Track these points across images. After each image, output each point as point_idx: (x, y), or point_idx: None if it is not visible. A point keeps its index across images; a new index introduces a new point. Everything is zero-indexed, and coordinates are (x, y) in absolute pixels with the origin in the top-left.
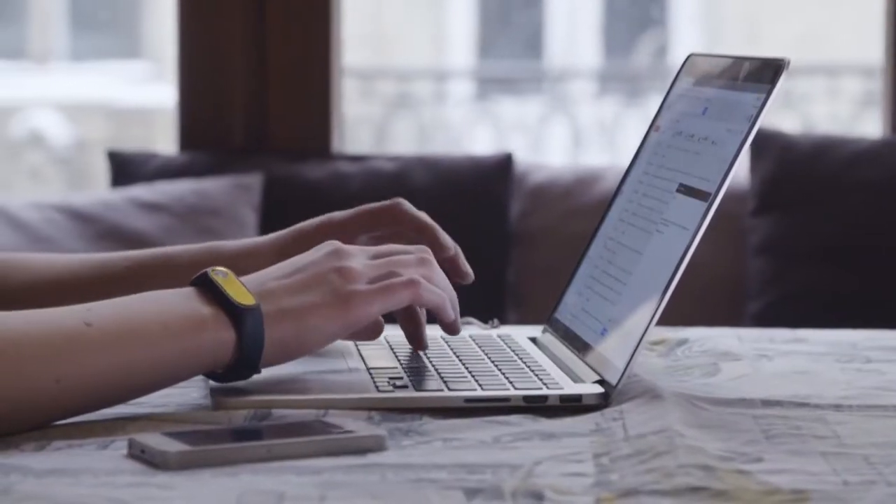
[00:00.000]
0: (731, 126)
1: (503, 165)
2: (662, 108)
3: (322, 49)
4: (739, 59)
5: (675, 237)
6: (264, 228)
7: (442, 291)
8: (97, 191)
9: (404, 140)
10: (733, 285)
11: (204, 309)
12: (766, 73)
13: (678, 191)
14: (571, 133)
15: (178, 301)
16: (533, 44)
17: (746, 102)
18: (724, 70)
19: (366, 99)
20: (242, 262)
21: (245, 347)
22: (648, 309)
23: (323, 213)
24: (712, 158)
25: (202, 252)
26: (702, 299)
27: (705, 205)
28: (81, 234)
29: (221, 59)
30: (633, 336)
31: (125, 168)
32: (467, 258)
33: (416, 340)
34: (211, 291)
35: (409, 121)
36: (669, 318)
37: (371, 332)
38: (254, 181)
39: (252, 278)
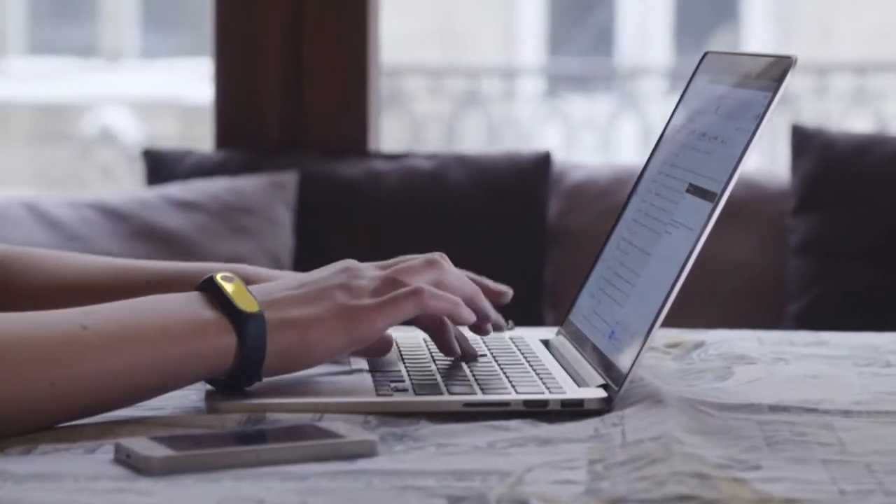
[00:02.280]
0: (740, 125)
1: (541, 164)
2: (679, 105)
3: (359, 46)
4: (752, 57)
5: (682, 238)
6: (299, 227)
7: (450, 295)
8: (132, 189)
9: (473, 138)
10: (774, 285)
11: (206, 313)
12: (776, 71)
13: (687, 191)
14: (641, 131)
15: (181, 305)
16: (604, 41)
17: (756, 101)
18: (738, 68)
19: (435, 96)
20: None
21: (246, 353)
22: (653, 312)
23: (358, 211)
24: (720, 158)
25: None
26: (742, 299)
27: (711, 205)
28: (115, 232)
29: (258, 57)
30: (638, 339)
31: (160, 166)
32: (503, 258)
33: (444, 347)
34: (215, 296)
35: (479, 118)
36: (708, 318)
37: (378, 349)
38: (289, 179)
39: (259, 288)
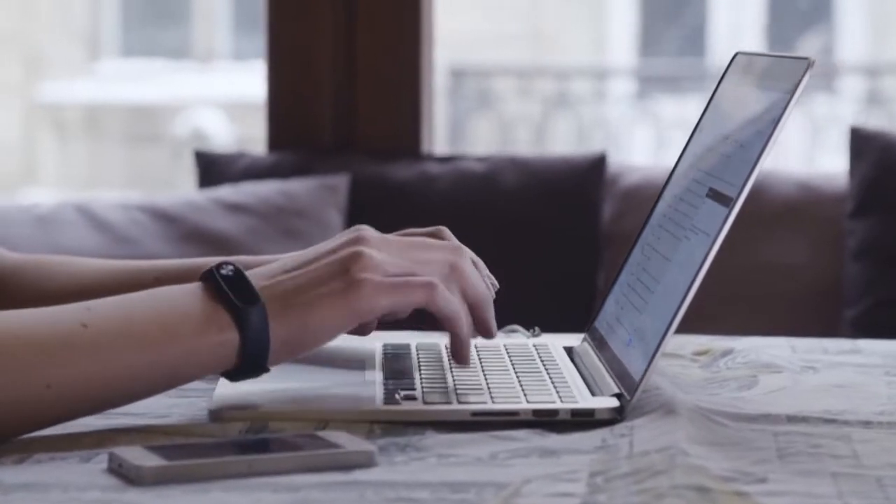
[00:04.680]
0: (760, 128)
1: (595, 166)
2: (707, 108)
3: (412, 47)
4: (775, 59)
5: (699, 244)
6: None
7: (458, 305)
8: (183, 191)
9: (563, 139)
10: (830, 290)
11: (206, 308)
12: (795, 73)
13: (707, 195)
14: None
15: (182, 299)
16: (695, 41)
17: (775, 103)
18: (762, 69)
19: (524, 98)
20: None
21: (249, 349)
22: (667, 320)
23: (408, 214)
24: (739, 162)
25: None
26: (798, 304)
27: (727, 210)
28: (165, 234)
29: (310, 59)
30: (652, 348)
31: (212, 168)
32: (557, 260)
33: (457, 354)
34: (215, 289)
35: (569, 120)
36: (763, 322)
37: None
38: (340, 182)
39: (262, 270)
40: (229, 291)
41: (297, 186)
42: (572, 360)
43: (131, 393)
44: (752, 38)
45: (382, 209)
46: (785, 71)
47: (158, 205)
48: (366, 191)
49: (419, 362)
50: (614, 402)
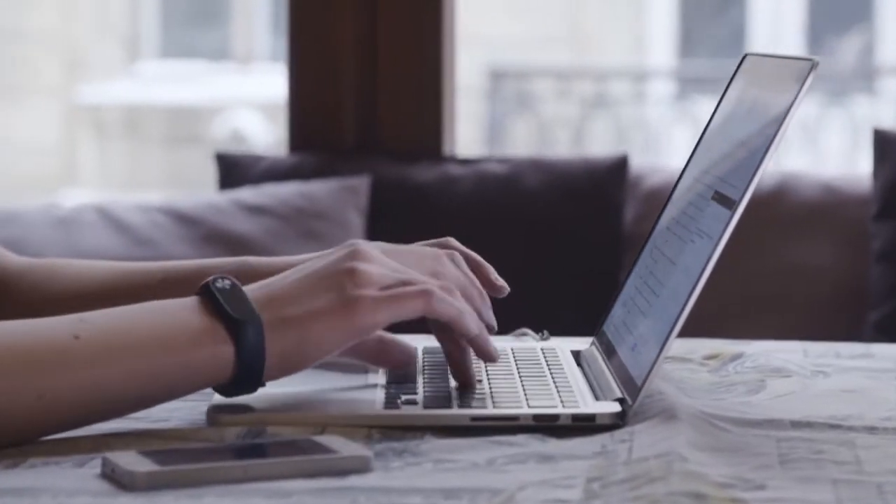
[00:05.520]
0: (765, 130)
1: (618, 168)
2: (717, 109)
3: (434, 48)
4: (782, 60)
5: (703, 248)
6: (370, 231)
7: (458, 303)
8: (203, 193)
9: (601, 140)
10: (854, 292)
11: (203, 321)
12: (799, 74)
13: (713, 198)
14: None
15: (178, 312)
16: (735, 42)
17: (780, 105)
18: (770, 71)
19: (563, 99)
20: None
21: (244, 362)
22: (669, 324)
23: (429, 216)
24: (744, 164)
25: (234, 266)
26: (821, 307)
27: (730, 213)
28: (185, 236)
29: (332, 61)
30: (654, 352)
31: (233, 170)
32: (578, 262)
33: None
34: (212, 303)
35: (607, 121)
36: (787, 325)
37: (398, 361)
38: (361, 183)
39: (257, 286)
40: (225, 305)
41: (318, 188)
42: (579, 364)
43: (124, 405)
44: (793, 39)
45: (403, 211)
46: (791, 72)
47: (178, 207)
48: (387, 192)
49: (423, 367)
50: (616, 407)
